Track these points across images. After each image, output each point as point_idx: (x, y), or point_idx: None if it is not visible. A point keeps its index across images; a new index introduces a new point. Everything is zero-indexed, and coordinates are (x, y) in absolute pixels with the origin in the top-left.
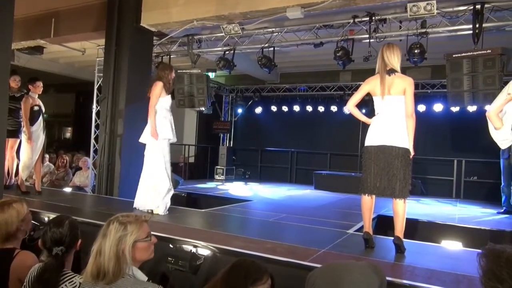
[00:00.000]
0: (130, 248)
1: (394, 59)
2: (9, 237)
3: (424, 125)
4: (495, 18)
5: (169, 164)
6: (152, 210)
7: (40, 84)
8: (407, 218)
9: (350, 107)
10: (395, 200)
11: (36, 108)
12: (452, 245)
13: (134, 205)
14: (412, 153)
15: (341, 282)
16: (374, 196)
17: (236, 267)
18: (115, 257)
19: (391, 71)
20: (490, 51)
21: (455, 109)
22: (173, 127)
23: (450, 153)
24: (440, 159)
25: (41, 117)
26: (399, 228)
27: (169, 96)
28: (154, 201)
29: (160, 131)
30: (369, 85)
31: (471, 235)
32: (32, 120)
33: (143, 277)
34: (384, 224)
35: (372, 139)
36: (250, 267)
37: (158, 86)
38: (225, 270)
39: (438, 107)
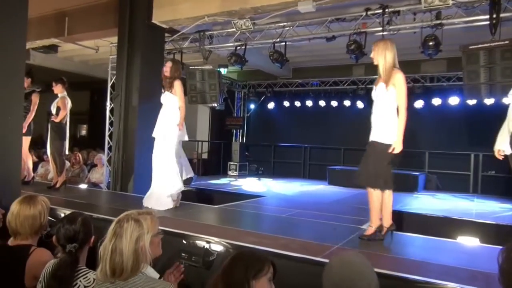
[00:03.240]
0: (149, 245)
1: (390, 55)
2: (38, 231)
3: (440, 119)
4: None
5: (158, 161)
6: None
7: (53, 84)
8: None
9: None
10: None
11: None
12: (469, 241)
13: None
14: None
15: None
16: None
17: (235, 260)
18: (134, 255)
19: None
20: (508, 42)
21: (471, 102)
22: (159, 123)
23: (467, 147)
24: (457, 153)
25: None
26: (390, 214)
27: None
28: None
29: (172, 130)
30: None
31: (488, 231)
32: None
33: (154, 274)
34: (399, 219)
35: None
36: (249, 259)
37: (181, 85)
38: (225, 264)
39: (454, 100)
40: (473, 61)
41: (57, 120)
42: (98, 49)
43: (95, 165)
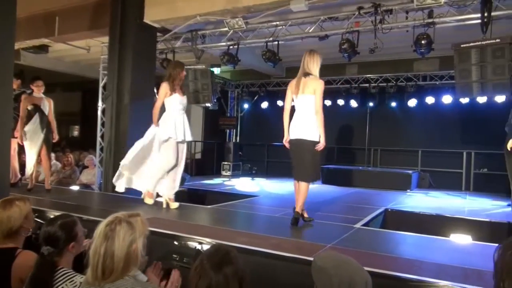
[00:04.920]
0: (141, 248)
1: (312, 65)
2: (11, 234)
3: (433, 117)
4: (504, 6)
5: (172, 161)
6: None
7: (39, 83)
8: (414, 212)
9: (284, 116)
10: (300, 182)
11: (30, 107)
12: (462, 239)
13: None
14: (323, 144)
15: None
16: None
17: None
18: (125, 258)
19: (307, 74)
20: (499, 40)
21: (464, 100)
22: (184, 126)
23: (459, 145)
24: (449, 151)
25: (36, 116)
26: (300, 204)
27: (177, 95)
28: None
29: (162, 129)
30: (290, 88)
31: (481, 228)
32: (26, 120)
33: (142, 277)
34: (392, 218)
35: (291, 133)
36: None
37: (162, 88)
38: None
39: (447, 99)
40: (465, 59)
41: None
42: (89, 49)
43: (87, 166)
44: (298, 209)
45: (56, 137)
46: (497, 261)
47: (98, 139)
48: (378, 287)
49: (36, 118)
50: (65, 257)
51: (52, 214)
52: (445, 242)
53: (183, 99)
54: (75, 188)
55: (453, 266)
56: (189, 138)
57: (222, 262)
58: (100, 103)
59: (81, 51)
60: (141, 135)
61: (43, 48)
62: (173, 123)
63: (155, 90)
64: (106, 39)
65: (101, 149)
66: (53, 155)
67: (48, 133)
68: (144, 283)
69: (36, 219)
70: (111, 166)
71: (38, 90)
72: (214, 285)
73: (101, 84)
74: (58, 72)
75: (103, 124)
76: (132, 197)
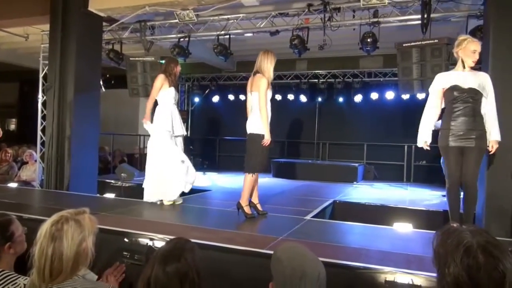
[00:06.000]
0: (92, 246)
1: (265, 64)
2: None
3: (377, 113)
4: (442, 9)
5: (175, 154)
6: (162, 200)
7: None
8: (361, 203)
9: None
10: (245, 174)
11: None
12: (403, 227)
13: (144, 199)
14: (268, 139)
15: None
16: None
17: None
18: (75, 258)
19: (256, 73)
20: (437, 40)
21: (405, 96)
22: (179, 120)
23: (401, 139)
24: (392, 144)
25: None
26: (243, 195)
27: (173, 88)
28: (161, 190)
29: (160, 123)
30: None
31: (420, 217)
32: None
33: (91, 276)
34: (340, 209)
35: (246, 128)
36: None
37: (158, 79)
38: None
39: (389, 95)
40: (406, 58)
41: None
42: (28, 37)
43: (26, 162)
44: (241, 200)
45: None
46: (438, 248)
47: (39, 133)
48: (329, 276)
49: None
50: (3, 259)
51: None
52: (389, 230)
53: (176, 94)
54: (13, 185)
55: (396, 253)
56: (184, 131)
57: (168, 258)
58: (40, 95)
59: (18, 39)
60: (86, 128)
61: None
62: (170, 117)
63: (101, 82)
64: (46, 27)
65: (42, 144)
66: None
67: None
68: (94, 282)
69: None
70: (54, 161)
71: None
72: (152, 279)
73: (41, 75)
74: None
75: (44, 117)
76: (76, 193)
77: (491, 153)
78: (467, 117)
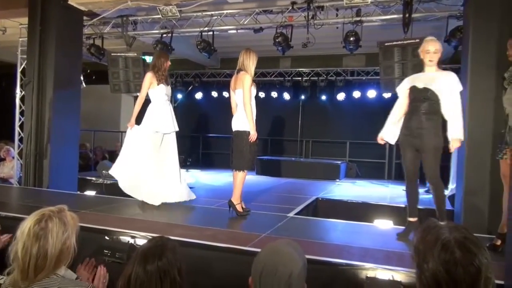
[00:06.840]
0: (75, 243)
1: (248, 62)
2: None
3: (359, 111)
4: (423, 9)
5: (168, 156)
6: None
7: None
8: (343, 200)
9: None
10: (233, 171)
11: None
12: (384, 224)
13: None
14: (254, 135)
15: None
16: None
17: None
18: (58, 256)
19: (239, 71)
20: (418, 40)
21: (387, 95)
22: (171, 117)
23: None
24: (373, 142)
25: None
26: (235, 193)
27: (163, 85)
28: (141, 190)
29: (148, 122)
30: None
31: (400, 214)
32: None
33: (70, 274)
34: (323, 206)
35: (232, 126)
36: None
37: (146, 78)
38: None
39: (372, 93)
40: (388, 57)
41: None
42: (5, 30)
43: (3, 159)
44: (232, 198)
45: None
46: (418, 244)
47: (17, 129)
48: (311, 272)
49: None
50: None
51: None
52: (370, 227)
53: (168, 89)
54: None
55: (377, 249)
56: (176, 128)
57: (149, 257)
58: (18, 90)
59: None
60: (66, 124)
61: None
62: (159, 116)
63: (82, 78)
64: (25, 20)
65: (20, 140)
66: None
67: None
68: (73, 280)
69: None
70: (33, 158)
71: None
72: (133, 277)
73: (19, 69)
74: None
75: (22, 113)
76: (56, 191)
77: (451, 151)
78: (419, 115)
